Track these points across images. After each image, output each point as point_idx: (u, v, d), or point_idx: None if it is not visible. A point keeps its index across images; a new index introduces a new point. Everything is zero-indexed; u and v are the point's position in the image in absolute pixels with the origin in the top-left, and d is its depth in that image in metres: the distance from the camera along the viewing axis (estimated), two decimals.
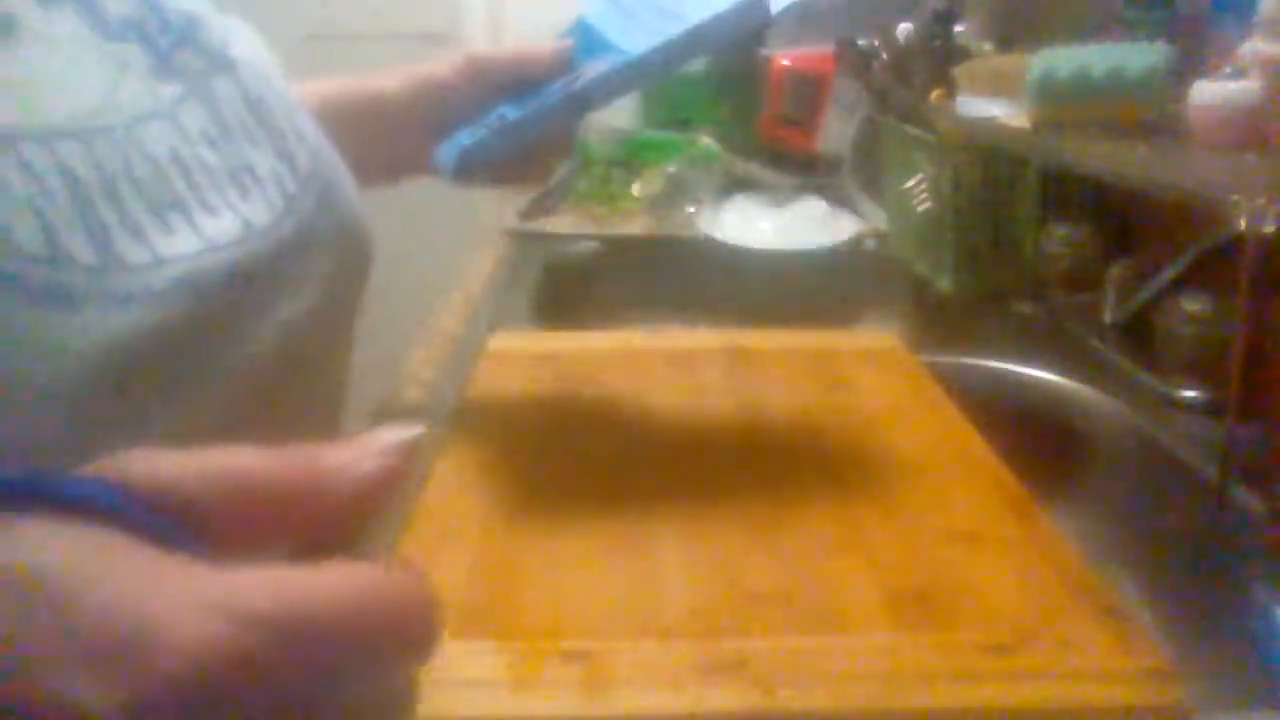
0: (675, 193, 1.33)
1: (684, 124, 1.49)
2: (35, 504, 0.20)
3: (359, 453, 0.24)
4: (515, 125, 0.57)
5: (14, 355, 0.33)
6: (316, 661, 0.20)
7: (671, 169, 1.35)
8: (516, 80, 0.60)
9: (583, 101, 0.56)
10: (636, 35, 0.56)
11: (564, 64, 0.59)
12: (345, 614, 0.20)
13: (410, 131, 0.61)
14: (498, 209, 1.35)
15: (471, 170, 0.58)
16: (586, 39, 0.60)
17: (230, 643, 0.19)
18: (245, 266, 0.41)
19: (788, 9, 0.54)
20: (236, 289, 0.41)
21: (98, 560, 0.20)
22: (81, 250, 0.35)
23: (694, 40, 0.54)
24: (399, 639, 0.21)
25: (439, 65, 0.64)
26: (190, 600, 0.19)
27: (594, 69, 0.56)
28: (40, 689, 0.18)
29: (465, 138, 0.59)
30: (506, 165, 0.61)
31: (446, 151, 0.59)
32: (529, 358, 0.80)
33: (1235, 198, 0.57)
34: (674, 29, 0.54)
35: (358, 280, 0.53)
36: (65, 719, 0.18)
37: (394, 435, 0.24)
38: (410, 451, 0.24)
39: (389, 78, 0.64)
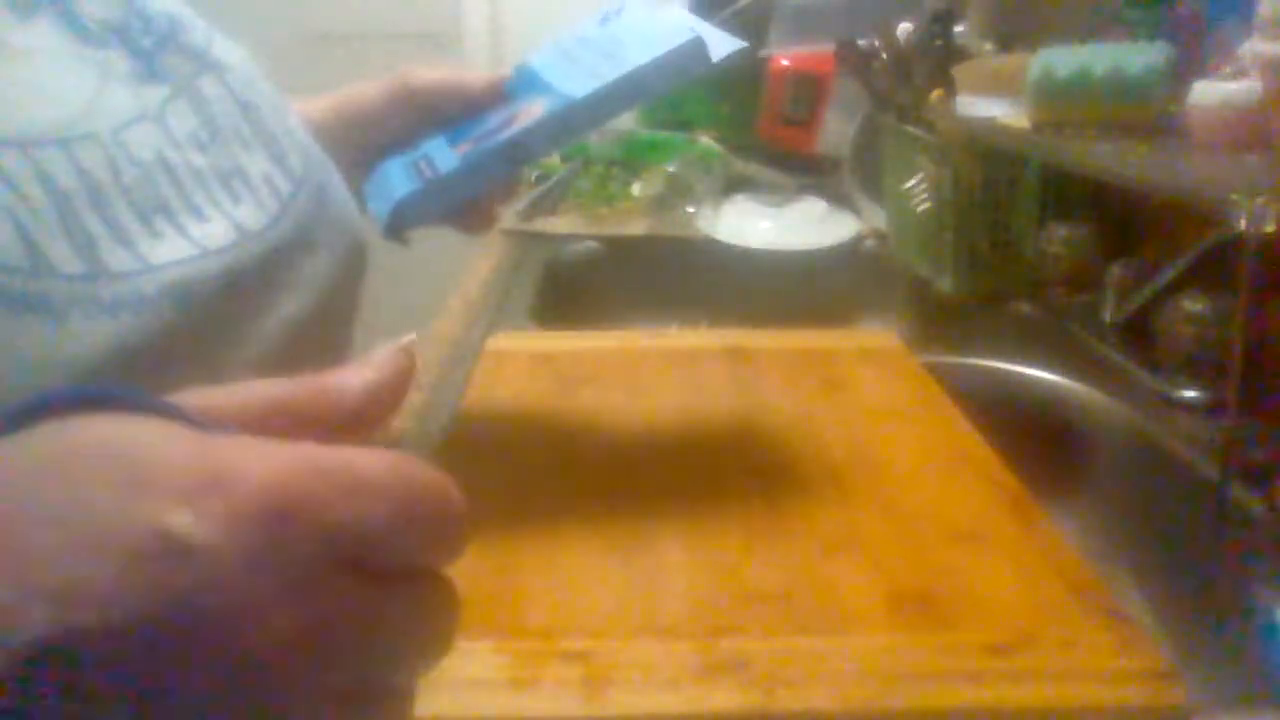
0: (675, 193, 1.33)
1: (684, 124, 1.49)
2: (107, 407, 0.23)
3: (359, 366, 0.27)
4: (450, 178, 0.54)
5: None
6: (361, 514, 0.22)
7: (671, 169, 1.35)
8: (447, 108, 0.59)
9: (520, 150, 0.54)
10: (576, 79, 0.54)
11: (497, 96, 0.58)
12: (379, 474, 0.23)
13: (336, 159, 0.57)
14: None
15: (405, 225, 0.55)
16: (526, 80, 0.59)
17: (296, 479, 0.22)
18: (238, 271, 0.41)
19: (728, 57, 0.53)
20: (229, 294, 0.40)
21: (171, 432, 0.23)
22: (65, 259, 0.35)
23: (632, 85, 0.53)
24: (429, 519, 0.24)
25: (365, 88, 0.61)
26: (258, 450, 0.22)
27: (530, 111, 0.54)
28: (136, 525, 0.21)
29: (396, 179, 0.56)
30: (445, 215, 0.58)
31: (377, 200, 0.56)
32: (529, 358, 0.80)
33: (1235, 198, 0.57)
34: (613, 73, 0.53)
35: (355, 279, 0.52)
36: (168, 550, 0.21)
37: (388, 348, 0.28)
38: (405, 356, 0.28)
39: (316, 103, 0.61)
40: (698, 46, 0.52)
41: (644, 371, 0.77)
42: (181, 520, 0.21)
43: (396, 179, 0.56)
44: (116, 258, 0.37)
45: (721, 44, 0.53)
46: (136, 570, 0.20)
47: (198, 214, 0.41)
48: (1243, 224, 0.57)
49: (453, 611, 0.25)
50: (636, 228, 1.31)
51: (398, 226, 0.55)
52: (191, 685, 0.21)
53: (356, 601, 0.22)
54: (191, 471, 0.22)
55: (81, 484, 0.21)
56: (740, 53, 0.53)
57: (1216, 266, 0.76)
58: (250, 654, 0.21)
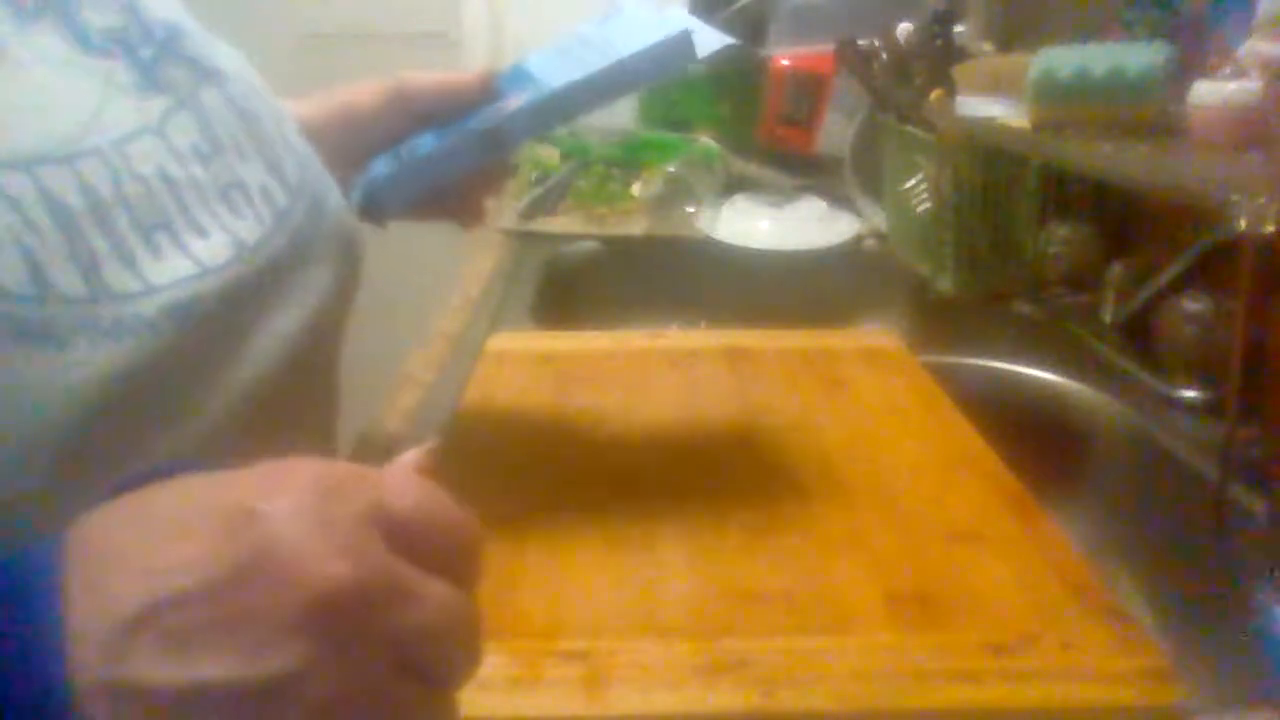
0: (675, 193, 1.33)
1: (684, 124, 1.49)
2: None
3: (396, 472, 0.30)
4: (426, 161, 0.55)
5: (1, 397, 0.33)
6: (390, 497, 0.28)
7: (671, 169, 1.35)
8: (441, 110, 0.59)
9: (498, 137, 0.55)
10: (563, 72, 0.55)
11: (489, 94, 0.58)
12: (407, 480, 0.29)
13: (332, 163, 0.55)
14: (498, 209, 1.35)
15: (379, 206, 0.55)
16: (517, 77, 0.59)
17: (340, 470, 0.28)
18: (237, 288, 0.41)
19: (715, 53, 0.54)
20: (229, 311, 0.40)
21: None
22: (70, 283, 0.35)
23: (614, 75, 0.53)
24: (446, 522, 0.29)
25: (362, 92, 0.61)
26: (311, 459, 0.28)
27: (511, 104, 0.55)
28: (227, 508, 0.26)
29: (376, 167, 0.57)
30: (429, 201, 0.58)
31: (358, 188, 0.57)
32: (529, 358, 0.80)
33: (1235, 198, 0.57)
34: (596, 65, 0.54)
35: (349, 292, 0.52)
36: (250, 521, 0.26)
37: (414, 452, 0.32)
38: (429, 458, 0.32)
39: (308, 104, 0.60)
40: (683, 40, 0.53)
41: (644, 371, 0.77)
42: (260, 503, 0.26)
43: (376, 167, 0.57)
44: (118, 278, 0.36)
45: (710, 41, 0.54)
46: (228, 538, 0.25)
47: (198, 229, 0.40)
48: (1243, 224, 0.57)
49: (473, 620, 0.29)
50: (636, 228, 1.31)
51: (373, 207, 0.55)
52: (274, 619, 0.25)
53: (390, 562, 0.27)
54: (262, 473, 0.27)
55: (178, 496, 0.27)
56: (729, 49, 0.54)
57: (1216, 266, 0.76)
58: (315, 591, 0.25)
